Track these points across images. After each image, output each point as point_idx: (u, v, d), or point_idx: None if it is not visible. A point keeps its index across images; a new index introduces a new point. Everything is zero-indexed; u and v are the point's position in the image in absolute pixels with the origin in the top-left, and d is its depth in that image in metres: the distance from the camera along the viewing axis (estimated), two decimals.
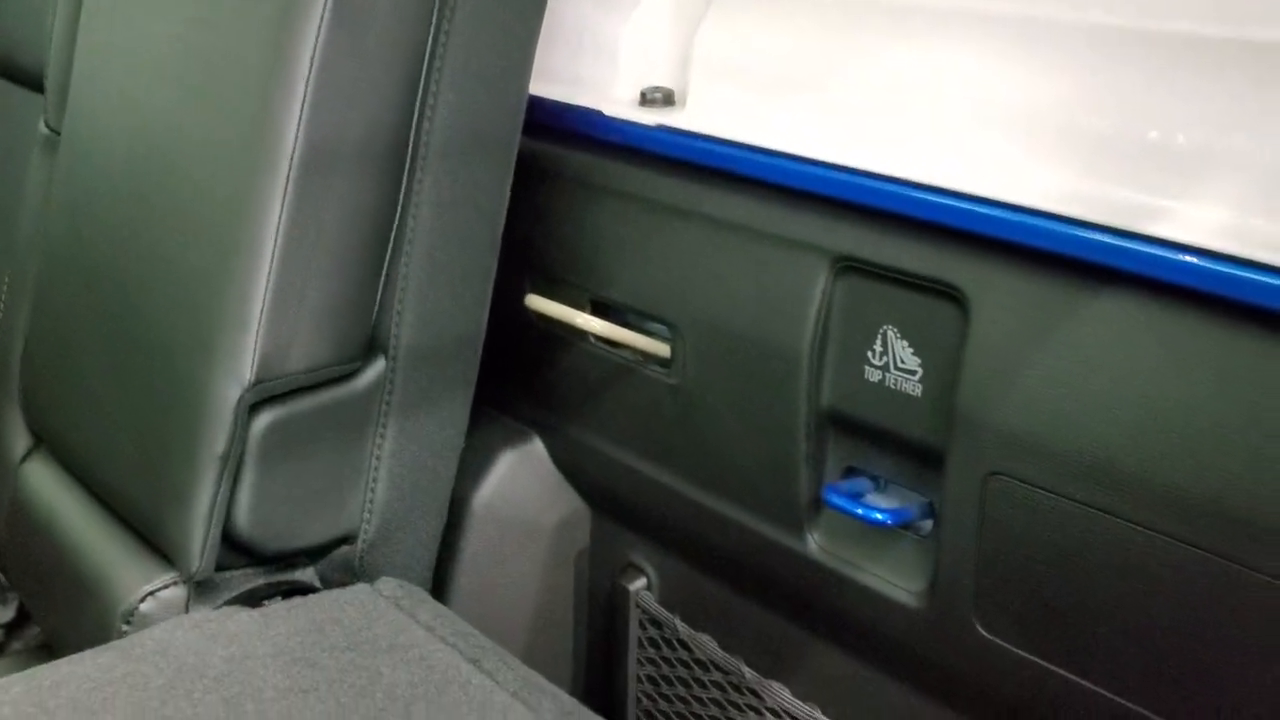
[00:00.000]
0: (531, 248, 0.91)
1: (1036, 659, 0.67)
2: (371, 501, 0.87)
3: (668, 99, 0.84)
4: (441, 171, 0.82)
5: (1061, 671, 0.66)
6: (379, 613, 0.78)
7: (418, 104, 0.80)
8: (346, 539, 0.88)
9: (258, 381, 0.78)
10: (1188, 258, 0.56)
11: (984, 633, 0.69)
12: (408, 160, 0.81)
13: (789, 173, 0.74)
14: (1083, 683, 0.65)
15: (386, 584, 0.82)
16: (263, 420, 0.80)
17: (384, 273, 0.83)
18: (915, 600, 0.73)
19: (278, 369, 0.79)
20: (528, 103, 0.85)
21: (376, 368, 0.85)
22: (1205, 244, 0.56)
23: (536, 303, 0.85)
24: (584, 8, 0.89)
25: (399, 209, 0.82)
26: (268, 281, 0.77)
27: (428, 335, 0.85)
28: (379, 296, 0.83)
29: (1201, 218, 0.57)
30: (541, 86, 0.88)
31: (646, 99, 0.85)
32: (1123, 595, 0.61)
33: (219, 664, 0.71)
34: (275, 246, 0.77)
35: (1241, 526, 0.56)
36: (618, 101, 0.86)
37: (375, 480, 0.87)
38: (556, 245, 0.90)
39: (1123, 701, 0.64)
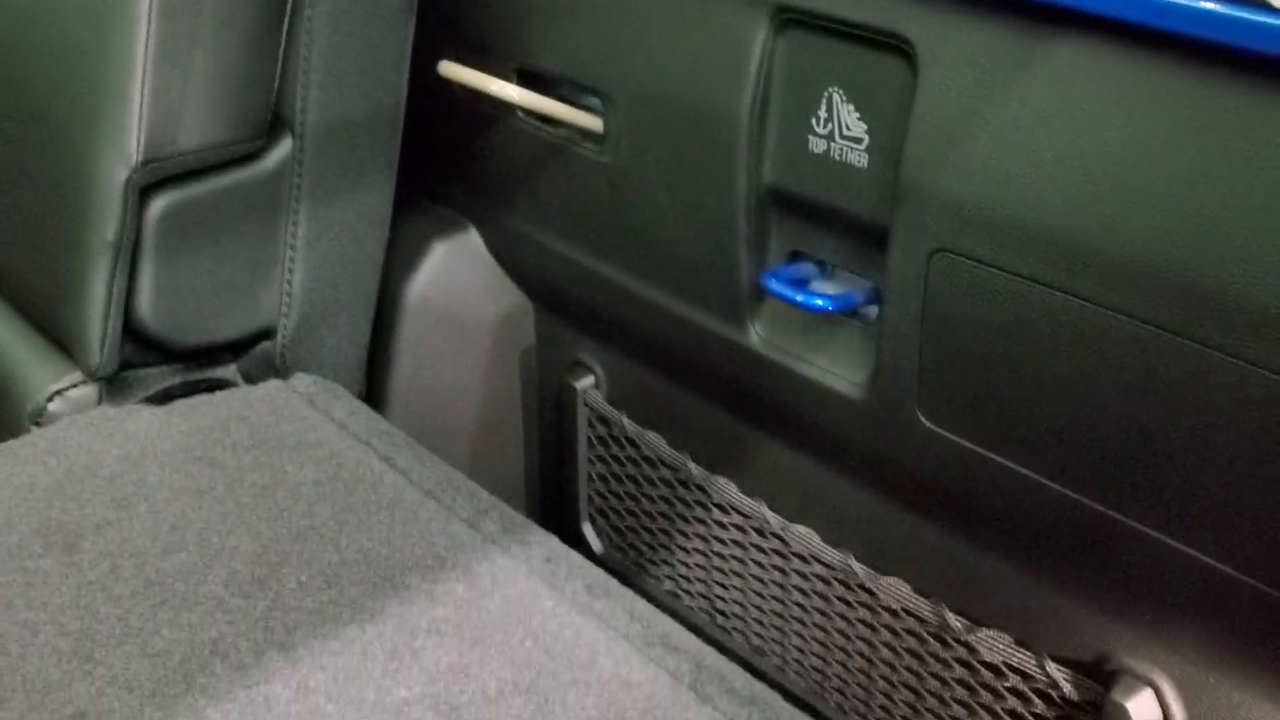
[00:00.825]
0: (452, 12, 0.82)
1: (979, 448, 0.62)
2: (289, 294, 0.82)
3: None
4: None
5: (1004, 461, 0.61)
6: (290, 409, 0.73)
7: None
8: (266, 334, 0.83)
9: (146, 161, 0.71)
10: None
11: (926, 422, 0.64)
12: None
13: None
14: (1026, 472, 0.61)
15: (301, 380, 0.77)
16: (159, 204, 0.74)
17: (283, 39, 0.75)
18: (858, 391, 0.68)
19: (167, 147, 0.72)
20: None
21: (283, 147, 0.77)
22: None
23: (453, 70, 0.77)
24: None
25: None
26: (146, 48, 0.69)
27: (338, 110, 0.77)
28: (279, 67, 0.75)
29: None
30: None
31: None
32: (1070, 378, 0.56)
33: (113, 463, 0.66)
34: (151, 6, 0.68)
35: (1203, 301, 0.50)
36: None
37: (291, 270, 0.81)
38: (479, 8, 0.81)
39: (1067, 491, 0.59)
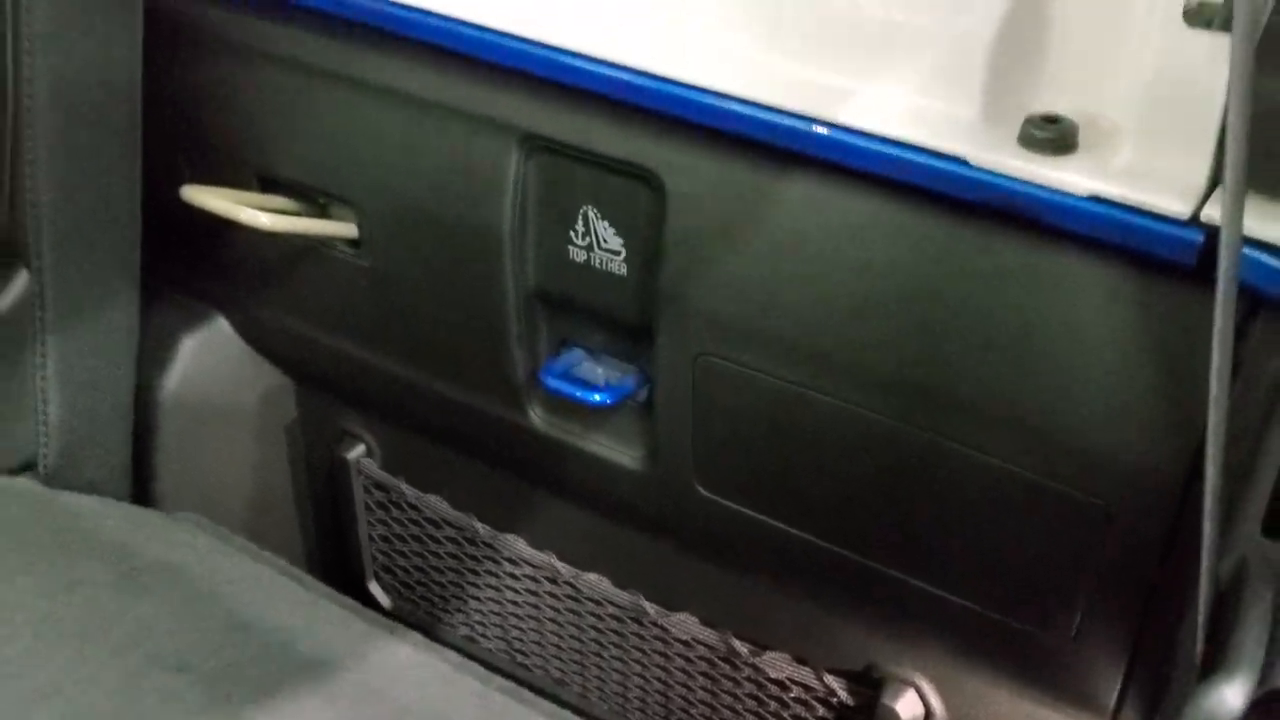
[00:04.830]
0: (184, 124, 0.81)
1: (753, 513, 0.70)
2: (45, 424, 0.79)
3: None
4: (49, 40, 0.69)
5: (776, 523, 0.70)
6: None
7: None
8: (26, 467, 0.80)
9: None
10: (867, 144, 0.56)
11: (704, 492, 0.72)
12: (6, 28, 0.68)
13: (464, 40, 0.67)
14: (796, 531, 0.69)
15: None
16: None
17: (4, 170, 0.71)
18: (638, 464, 0.74)
19: None
20: None
21: (19, 282, 0.74)
22: (885, 130, 0.56)
23: (196, 195, 0.76)
24: None
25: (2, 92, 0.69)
26: None
27: (74, 236, 0.75)
28: (8, 196, 0.72)
29: (885, 101, 0.57)
30: None
31: None
32: (827, 459, 0.65)
33: None
34: None
35: (927, 399, 0.59)
36: None
37: (45, 403, 0.78)
38: (213, 119, 0.80)
39: (831, 546, 0.68)
